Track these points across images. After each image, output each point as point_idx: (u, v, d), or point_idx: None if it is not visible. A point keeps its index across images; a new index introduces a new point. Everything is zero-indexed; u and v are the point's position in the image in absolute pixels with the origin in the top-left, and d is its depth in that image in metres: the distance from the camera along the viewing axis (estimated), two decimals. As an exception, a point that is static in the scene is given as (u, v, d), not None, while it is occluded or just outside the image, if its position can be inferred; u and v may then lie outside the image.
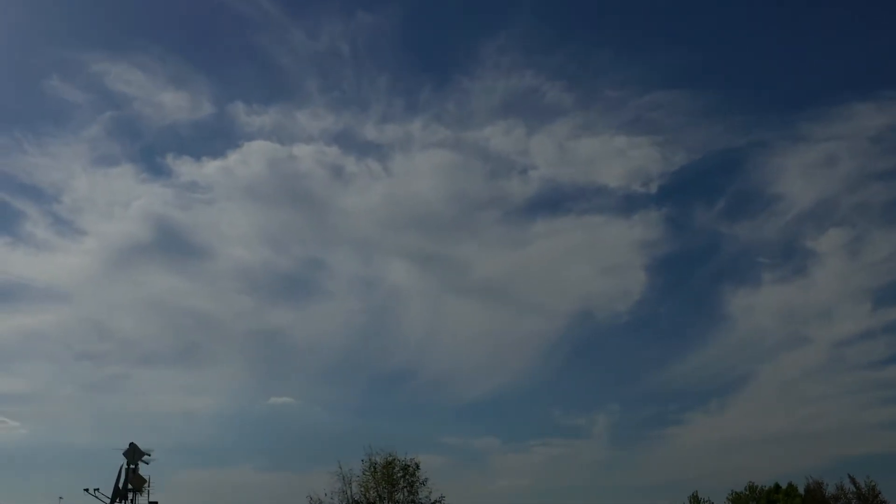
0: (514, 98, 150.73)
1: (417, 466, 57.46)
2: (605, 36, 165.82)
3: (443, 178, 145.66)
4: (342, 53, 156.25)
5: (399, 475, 57.02)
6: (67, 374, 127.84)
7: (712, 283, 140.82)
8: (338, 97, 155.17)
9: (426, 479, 57.29)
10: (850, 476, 65.33)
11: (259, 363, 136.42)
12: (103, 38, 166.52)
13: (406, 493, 56.78)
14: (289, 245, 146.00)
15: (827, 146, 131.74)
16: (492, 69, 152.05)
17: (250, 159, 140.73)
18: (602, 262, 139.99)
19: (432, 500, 56.66)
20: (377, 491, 56.55)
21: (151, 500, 43.07)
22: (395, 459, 57.30)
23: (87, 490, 42.03)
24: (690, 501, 70.75)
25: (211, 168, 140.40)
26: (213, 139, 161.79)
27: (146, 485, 42.82)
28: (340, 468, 57.15)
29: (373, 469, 57.07)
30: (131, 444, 42.82)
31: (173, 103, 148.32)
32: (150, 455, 43.33)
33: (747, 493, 69.16)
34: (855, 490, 64.62)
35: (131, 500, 42.47)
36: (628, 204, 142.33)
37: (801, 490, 67.37)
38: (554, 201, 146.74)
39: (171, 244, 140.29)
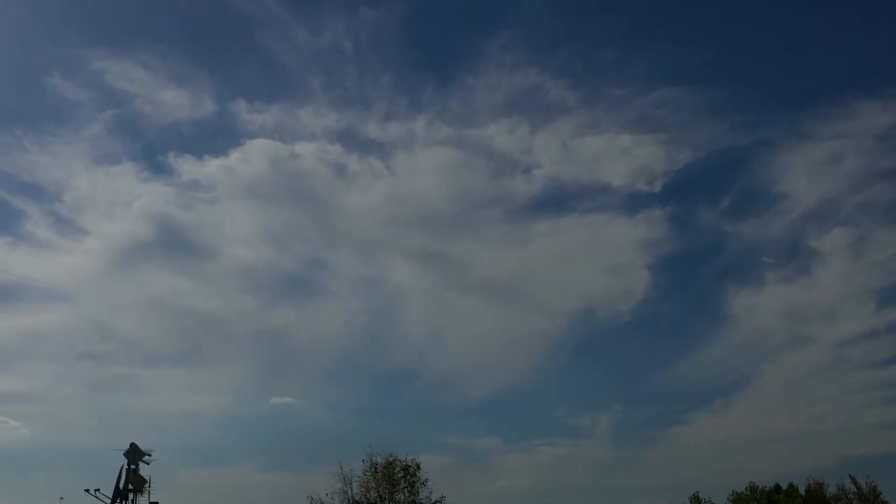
0: (517, 96, 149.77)
1: (418, 467, 57.62)
2: (610, 34, 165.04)
3: (446, 177, 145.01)
4: (345, 51, 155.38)
5: (400, 475, 57.05)
6: (69, 374, 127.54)
7: (716, 282, 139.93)
8: (340, 95, 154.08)
9: (427, 480, 57.48)
10: (850, 476, 65.40)
11: (261, 363, 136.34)
12: (105, 35, 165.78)
13: (407, 494, 56.81)
14: (291, 244, 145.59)
15: (832, 144, 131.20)
16: (495, 67, 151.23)
17: (252, 158, 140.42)
18: (605, 261, 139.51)
19: (433, 501, 56.81)
20: (378, 491, 56.57)
21: (152, 500, 42.99)
22: (395, 460, 57.39)
23: (87, 490, 41.99)
24: (691, 502, 70.82)
25: (213, 167, 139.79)
26: (215, 137, 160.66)
27: (147, 485, 42.75)
28: (341, 468, 57.35)
29: (373, 469, 57.13)
30: (132, 445, 42.77)
31: (175, 101, 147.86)
32: (150, 455, 43.25)
33: (748, 493, 69.17)
34: (856, 490, 64.64)
35: (132, 501, 42.40)
36: (632, 203, 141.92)
37: (801, 490, 67.43)
38: (557, 200, 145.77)
39: (173, 244, 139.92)
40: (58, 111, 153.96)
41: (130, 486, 42.47)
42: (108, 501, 41.90)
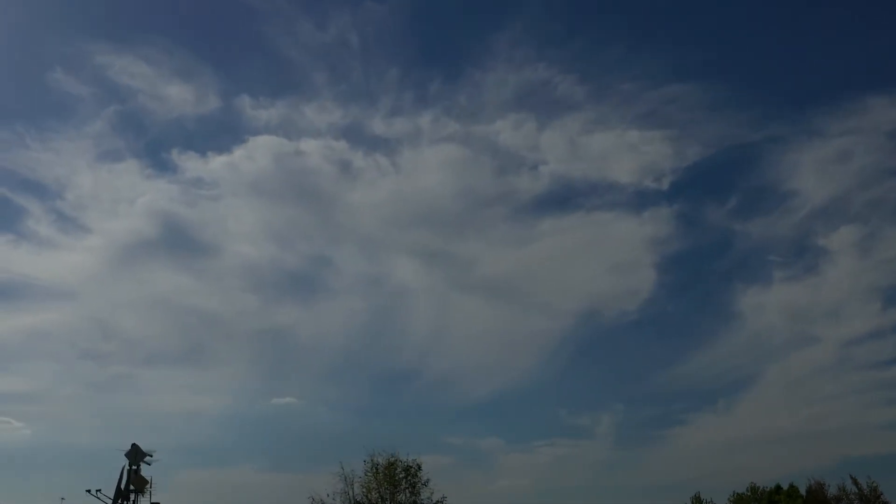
0: (525, 91, 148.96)
1: (419, 467, 57.58)
2: (619, 28, 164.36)
3: (451, 174, 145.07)
4: (351, 45, 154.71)
5: (401, 476, 56.99)
6: (71, 373, 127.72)
7: (722, 281, 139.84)
8: (346, 90, 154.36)
9: (428, 480, 57.44)
10: (851, 477, 65.31)
11: (263, 363, 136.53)
12: (108, 29, 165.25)
13: (408, 494, 56.76)
14: (295, 242, 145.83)
15: (841, 141, 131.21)
16: (504, 62, 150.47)
17: (256, 154, 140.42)
18: (611, 259, 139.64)
19: (434, 501, 56.74)
20: (379, 492, 56.50)
21: (153, 500, 42.91)
22: (397, 460, 57.34)
23: (88, 491, 41.93)
24: (692, 502, 70.76)
25: (216, 164, 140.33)
26: (219, 134, 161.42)
27: (148, 486, 42.69)
28: (342, 469, 57.28)
29: (375, 470, 57.08)
30: (133, 445, 42.69)
31: (179, 97, 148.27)
32: (152, 456, 43.20)
33: (749, 493, 69.11)
34: (857, 491, 64.55)
35: (133, 501, 42.35)
36: (639, 200, 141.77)
37: (802, 491, 67.35)
38: (563, 198, 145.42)
39: (177, 241, 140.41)
40: (60, 107, 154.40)
41: (132, 487, 42.39)
42: (110, 502, 41.85)
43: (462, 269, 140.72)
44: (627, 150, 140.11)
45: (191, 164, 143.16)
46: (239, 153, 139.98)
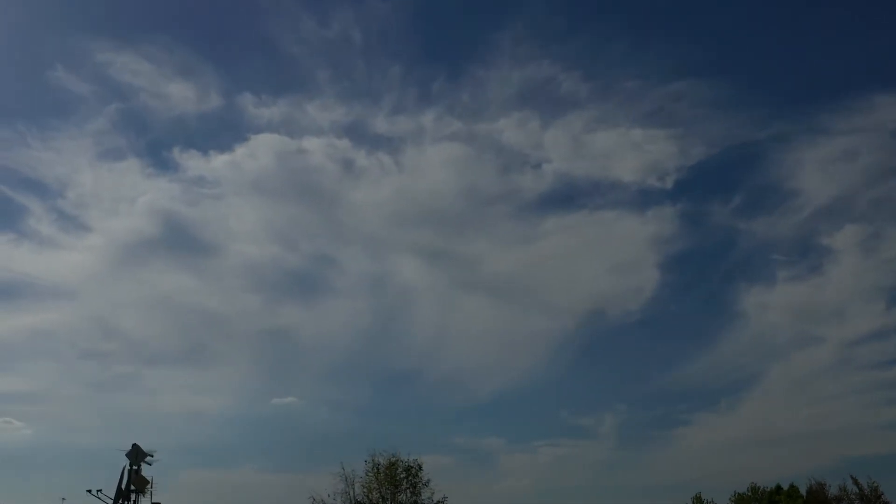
0: (529, 89, 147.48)
1: (420, 467, 57.62)
2: (623, 25, 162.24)
3: (454, 173, 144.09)
4: (354, 42, 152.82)
5: (402, 476, 57.00)
6: (72, 373, 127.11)
7: (726, 280, 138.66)
8: (348, 88, 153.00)
9: (429, 480, 57.48)
10: (852, 477, 65.30)
11: (266, 363, 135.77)
12: (109, 26, 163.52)
13: (409, 495, 56.79)
14: (297, 241, 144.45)
15: (846, 140, 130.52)
16: (507, 59, 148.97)
17: (259, 153, 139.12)
18: (614, 259, 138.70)
19: (435, 501, 56.78)
20: (380, 492, 56.52)
21: (154, 500, 43.03)
22: (398, 460, 57.35)
23: (89, 491, 42.00)
24: (693, 502, 70.74)
25: (218, 162, 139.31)
26: (221, 132, 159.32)
27: (149, 486, 42.77)
28: (343, 469, 57.32)
29: (376, 470, 57.12)
30: (134, 445, 42.75)
31: (180, 94, 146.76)
32: (152, 456, 43.28)
33: (750, 494, 69.10)
34: (857, 491, 64.54)
35: (134, 501, 42.41)
36: (643, 199, 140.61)
37: (803, 491, 67.35)
38: (567, 196, 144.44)
39: (178, 241, 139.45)
40: (61, 105, 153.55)
41: (132, 487, 42.46)
42: (110, 502, 41.89)
43: (465, 268, 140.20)
44: (631, 149, 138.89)
45: (192, 162, 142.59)
46: (241, 152, 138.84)
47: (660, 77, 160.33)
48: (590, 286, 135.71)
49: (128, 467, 42.57)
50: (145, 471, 42.98)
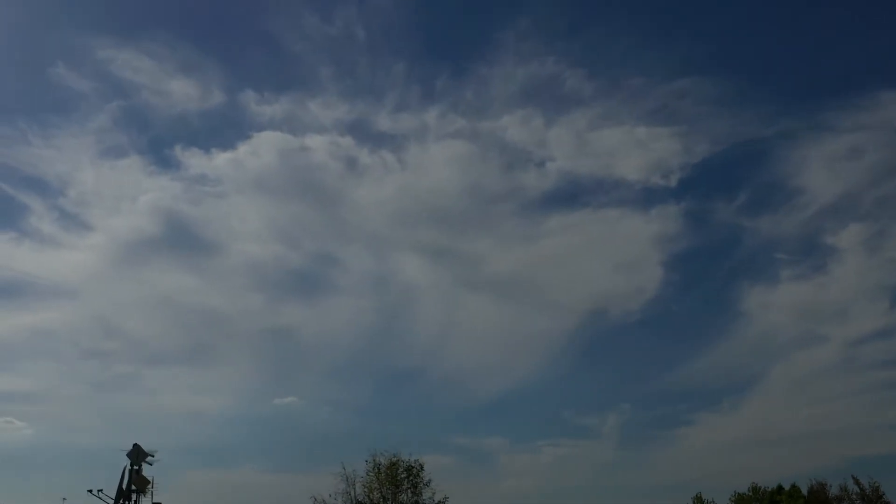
0: (533, 86, 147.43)
1: (422, 467, 57.55)
2: (628, 22, 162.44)
3: (458, 171, 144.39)
4: (357, 38, 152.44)
5: (403, 476, 56.95)
6: (73, 373, 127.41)
7: (729, 279, 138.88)
8: (351, 85, 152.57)
9: (430, 480, 57.42)
10: (853, 477, 65.30)
11: (267, 362, 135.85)
12: (110, 23, 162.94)
13: (410, 495, 56.74)
14: (300, 240, 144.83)
15: (852, 137, 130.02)
16: (511, 56, 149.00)
17: (261, 151, 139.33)
18: (617, 258, 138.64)
19: (436, 501, 56.71)
20: (381, 492, 56.48)
21: (155, 500, 42.96)
22: (399, 460, 57.28)
23: (90, 491, 41.94)
24: (694, 502, 70.67)
25: (221, 160, 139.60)
26: (223, 130, 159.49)
27: (150, 486, 42.72)
28: (344, 469, 57.25)
29: (376, 470, 57.05)
30: (135, 445, 42.68)
31: (182, 92, 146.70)
32: (153, 456, 43.22)
33: (750, 494, 69.03)
34: (859, 491, 64.52)
35: (135, 502, 42.39)
36: (647, 197, 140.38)
37: (804, 491, 67.28)
38: (570, 195, 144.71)
39: (180, 239, 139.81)
40: (62, 103, 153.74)
41: (133, 487, 42.39)
42: (111, 502, 41.87)
43: (469, 266, 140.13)
44: (636, 147, 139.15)
45: (194, 160, 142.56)
46: (243, 149, 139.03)
47: (664, 74, 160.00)
48: (593, 285, 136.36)
49: (129, 467, 42.52)
50: (146, 471, 42.92)
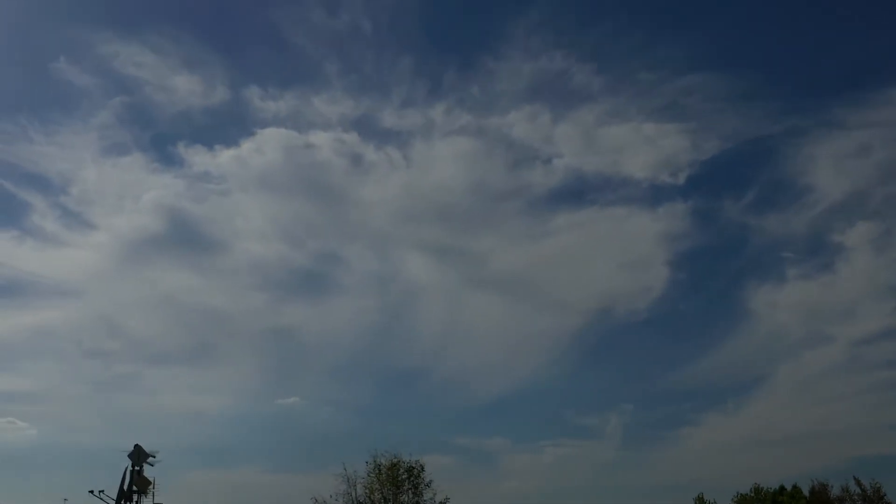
0: (540, 82, 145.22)
1: (422, 468, 57.54)
2: (637, 17, 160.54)
3: (464, 168, 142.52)
4: (363, 33, 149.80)
5: (404, 477, 56.96)
6: (75, 372, 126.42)
7: (736, 278, 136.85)
8: (357, 80, 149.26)
9: (431, 481, 57.39)
10: (854, 477, 65.33)
11: (269, 362, 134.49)
12: (112, 17, 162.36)
13: (411, 495, 56.73)
14: (304, 238, 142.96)
15: (861, 134, 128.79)
16: (519, 51, 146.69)
17: (265, 148, 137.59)
18: (624, 256, 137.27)
19: (437, 502, 56.72)
20: (382, 493, 56.48)
21: (156, 501, 43.01)
22: (399, 461, 57.27)
23: (91, 492, 41.91)
24: (696, 503, 70.65)
25: (224, 157, 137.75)
26: (227, 126, 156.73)
27: (151, 486, 42.74)
28: (345, 470, 57.21)
29: (377, 471, 57.02)
30: (136, 446, 42.68)
31: (186, 87, 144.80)
32: (155, 456, 43.23)
33: (752, 495, 68.98)
34: (860, 491, 64.53)
35: (136, 502, 42.40)
36: (654, 195, 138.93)
37: (806, 492, 67.24)
38: (577, 192, 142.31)
39: (183, 238, 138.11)
40: (64, 99, 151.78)
41: (134, 488, 42.39)
42: (112, 503, 41.94)
43: (474, 265, 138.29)
44: (643, 144, 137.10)
45: (198, 157, 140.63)
46: (247, 146, 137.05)
47: (673, 70, 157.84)
48: (599, 284, 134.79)
49: (130, 468, 42.55)
50: (147, 471, 42.91)
